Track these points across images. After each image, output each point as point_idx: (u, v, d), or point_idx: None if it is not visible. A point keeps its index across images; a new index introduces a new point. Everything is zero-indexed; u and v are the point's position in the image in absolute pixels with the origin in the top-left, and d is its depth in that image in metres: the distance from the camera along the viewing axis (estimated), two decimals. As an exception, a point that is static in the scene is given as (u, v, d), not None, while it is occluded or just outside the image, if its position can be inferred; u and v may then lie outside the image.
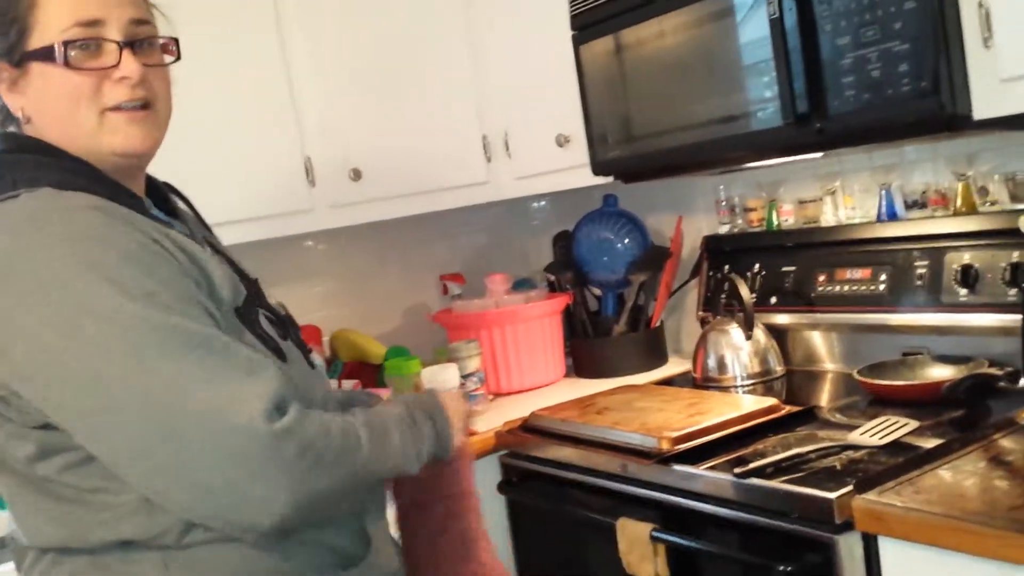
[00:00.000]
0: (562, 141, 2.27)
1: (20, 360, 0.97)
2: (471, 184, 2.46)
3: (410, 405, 1.19)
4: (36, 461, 1.03)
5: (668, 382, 2.30)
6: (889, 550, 1.37)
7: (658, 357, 2.51)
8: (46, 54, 1.06)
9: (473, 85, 2.44)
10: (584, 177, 2.22)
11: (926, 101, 1.53)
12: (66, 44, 1.06)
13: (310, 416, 1.01)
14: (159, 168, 1.22)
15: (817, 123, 1.68)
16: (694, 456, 1.64)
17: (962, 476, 1.41)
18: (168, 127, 1.17)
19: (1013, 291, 1.76)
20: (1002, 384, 1.72)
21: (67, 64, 1.06)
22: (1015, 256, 1.78)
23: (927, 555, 1.31)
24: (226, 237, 1.37)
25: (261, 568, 1.06)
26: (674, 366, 2.46)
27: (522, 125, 2.41)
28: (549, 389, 2.46)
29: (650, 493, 1.67)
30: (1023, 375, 1.59)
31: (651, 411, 1.85)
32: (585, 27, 2.10)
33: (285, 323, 1.19)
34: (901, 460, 1.48)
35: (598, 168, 2.16)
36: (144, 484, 0.99)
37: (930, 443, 1.54)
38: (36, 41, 1.07)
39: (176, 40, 1.16)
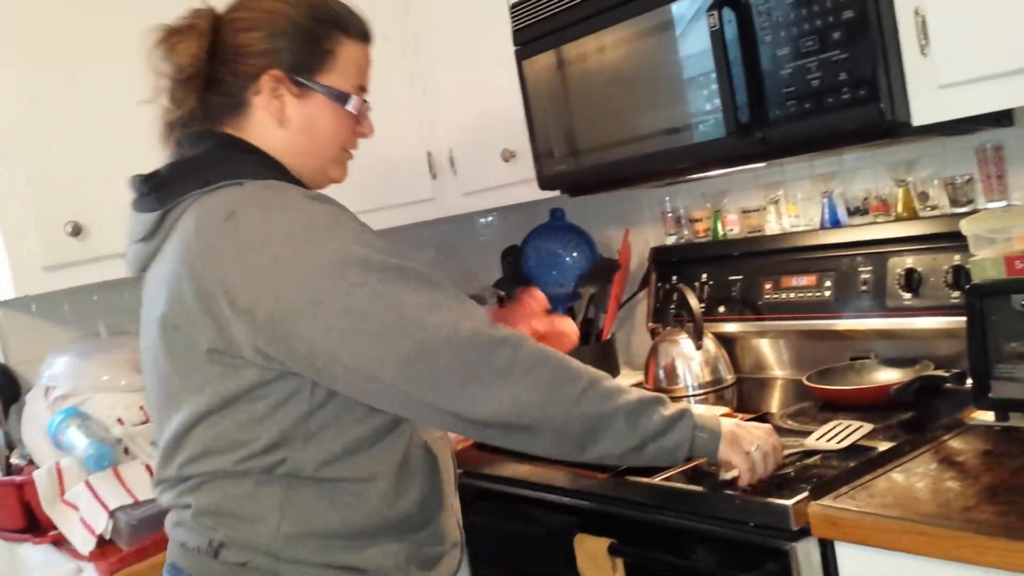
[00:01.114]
0: (507, 156, 2.26)
1: (292, 299, 1.15)
2: (417, 201, 2.44)
3: (687, 409, 1.32)
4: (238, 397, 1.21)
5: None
6: (846, 555, 1.37)
7: (609, 369, 2.49)
8: (339, 96, 1.32)
9: (416, 101, 2.43)
10: (531, 192, 2.22)
11: (865, 109, 1.55)
12: (360, 100, 1.34)
13: (528, 339, 1.20)
14: None
15: (759, 133, 1.69)
16: (649, 468, 1.63)
17: (914, 478, 1.43)
18: None
19: (956, 293, 1.79)
20: (949, 385, 1.75)
21: (353, 114, 1.33)
22: (956, 259, 1.81)
23: (883, 559, 1.32)
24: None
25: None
26: (626, 377, 2.46)
27: (467, 141, 2.40)
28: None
29: (607, 507, 1.66)
30: (968, 376, 1.61)
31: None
32: (527, 42, 2.10)
33: None
34: (854, 465, 1.49)
35: (544, 182, 2.16)
36: (394, 383, 1.16)
37: (881, 446, 1.55)
38: (328, 80, 1.31)
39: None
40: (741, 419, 1.50)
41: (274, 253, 1.16)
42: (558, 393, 1.20)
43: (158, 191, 1.27)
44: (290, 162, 1.31)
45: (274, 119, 1.29)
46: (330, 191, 1.31)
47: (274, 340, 1.17)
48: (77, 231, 1.97)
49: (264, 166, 1.28)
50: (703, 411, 1.36)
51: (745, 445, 1.36)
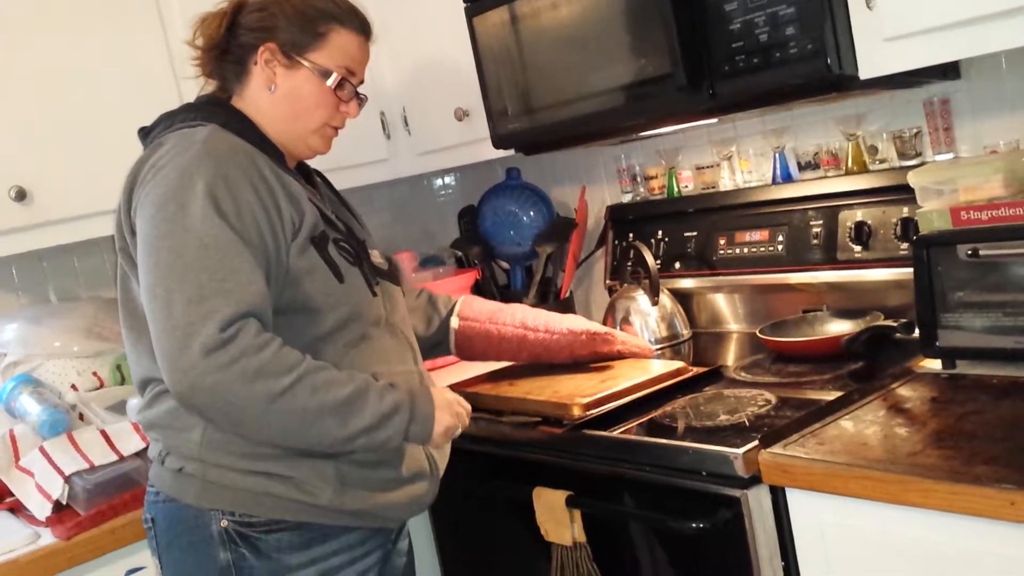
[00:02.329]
0: (461, 115, 2.25)
1: (135, 218, 1.35)
2: (371, 162, 2.42)
3: (398, 382, 1.40)
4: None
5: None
6: (796, 501, 1.41)
7: (567, 327, 2.51)
8: (324, 73, 1.47)
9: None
10: (485, 151, 2.21)
11: (813, 63, 1.56)
12: (342, 77, 1.48)
13: (256, 336, 1.26)
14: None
15: (709, 89, 1.70)
16: (606, 422, 1.66)
17: (863, 425, 1.46)
18: None
19: (905, 245, 1.82)
20: (898, 335, 1.78)
21: (334, 88, 1.48)
22: (905, 211, 1.84)
23: (833, 504, 1.35)
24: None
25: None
26: (583, 334, 2.47)
27: (420, 100, 2.38)
28: (461, 364, 2.44)
29: (564, 460, 1.68)
30: (916, 325, 1.64)
31: (562, 380, 1.85)
32: (478, -1, 2.08)
33: (360, 259, 1.47)
34: (804, 413, 1.52)
35: (498, 141, 2.15)
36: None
37: (831, 396, 1.58)
38: (317, 58, 1.47)
39: (367, 99, 1.58)
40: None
41: (149, 177, 1.34)
42: (254, 388, 1.25)
43: (146, 139, 1.47)
44: (272, 127, 1.47)
45: (264, 86, 1.47)
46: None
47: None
48: (21, 196, 1.93)
49: (221, 114, 1.43)
50: (425, 393, 1.42)
51: (450, 422, 1.45)
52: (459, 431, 1.48)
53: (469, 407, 1.51)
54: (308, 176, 1.59)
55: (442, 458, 1.55)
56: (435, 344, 1.83)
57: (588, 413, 1.67)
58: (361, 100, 1.56)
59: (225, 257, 1.27)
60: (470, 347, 1.85)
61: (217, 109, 1.46)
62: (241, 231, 1.30)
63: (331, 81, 1.47)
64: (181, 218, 1.28)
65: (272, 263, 1.34)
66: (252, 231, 1.31)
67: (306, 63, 1.46)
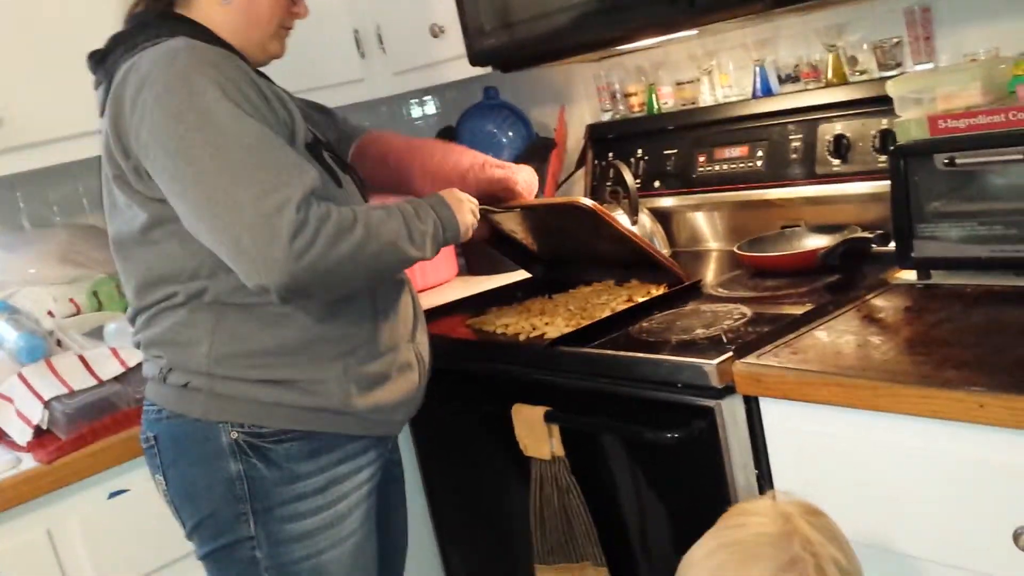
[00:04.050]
0: (436, 32, 2.21)
1: (145, 139, 1.28)
2: (346, 82, 2.37)
3: (411, 202, 1.43)
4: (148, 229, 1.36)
5: (551, 278, 2.30)
6: (770, 410, 1.42)
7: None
8: None
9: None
10: (462, 69, 2.17)
11: (792, -33, 1.52)
12: None
13: (319, 207, 1.26)
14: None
15: (688, -3, 1.66)
16: (583, 338, 1.66)
17: (836, 335, 1.46)
18: None
19: (883, 158, 1.81)
20: (875, 247, 1.78)
21: None
22: (884, 123, 1.82)
23: (806, 411, 1.36)
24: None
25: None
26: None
27: (395, 18, 2.33)
28: (443, 288, 2.45)
29: (541, 376, 1.68)
30: (892, 237, 1.64)
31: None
32: (451, -92, 2.02)
33: (347, 165, 1.51)
34: (779, 325, 1.52)
35: (475, 58, 2.10)
36: (203, 240, 1.30)
37: (807, 309, 1.59)
38: None
39: None
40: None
41: (140, 97, 1.29)
42: (340, 249, 1.28)
43: (101, 65, 1.41)
44: (229, 36, 1.43)
45: None
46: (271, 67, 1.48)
47: (142, 178, 1.32)
48: (-8, 120, 1.89)
49: (186, 29, 1.38)
50: (442, 202, 1.48)
51: (467, 216, 1.51)
52: (476, 220, 1.54)
53: (473, 199, 1.56)
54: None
55: (426, 352, 1.57)
56: None
57: (564, 330, 1.68)
58: None
59: (270, 149, 1.27)
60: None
61: (176, 24, 1.40)
62: (267, 122, 1.30)
63: None
64: (209, 124, 1.26)
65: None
66: (273, 123, 1.32)
67: None
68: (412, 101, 2.96)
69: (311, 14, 1.54)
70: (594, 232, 1.86)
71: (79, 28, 1.94)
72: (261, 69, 1.52)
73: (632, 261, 1.91)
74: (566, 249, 2.05)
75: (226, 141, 1.25)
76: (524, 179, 1.76)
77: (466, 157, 1.72)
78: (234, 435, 1.37)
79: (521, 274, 2.26)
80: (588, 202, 1.77)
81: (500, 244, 2.10)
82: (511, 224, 2.00)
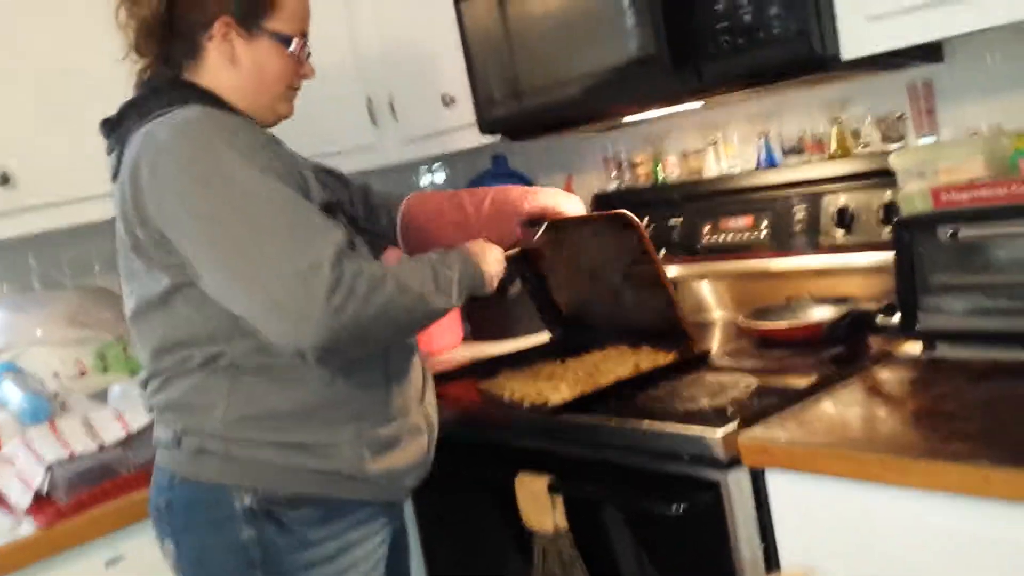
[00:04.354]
0: (448, 101, 2.24)
1: (171, 208, 1.30)
2: (357, 149, 2.41)
3: (436, 252, 1.46)
4: (168, 295, 1.36)
5: (564, 342, 2.30)
6: (776, 482, 1.40)
7: (554, 316, 2.51)
8: (285, 40, 1.45)
9: (353, 46, 2.39)
10: (472, 137, 2.20)
11: (797, 43, 1.56)
12: (301, 44, 1.48)
13: (351, 263, 1.27)
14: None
15: (694, 70, 1.69)
16: (588, 405, 1.65)
17: (842, 407, 1.45)
18: None
19: (887, 230, 1.82)
20: (881, 319, 1.77)
21: (296, 56, 1.47)
22: (888, 195, 1.83)
23: (813, 484, 1.35)
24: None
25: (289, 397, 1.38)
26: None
27: (407, 86, 2.38)
28: (448, 353, 2.44)
29: (545, 446, 1.67)
30: (897, 309, 1.64)
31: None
32: (463, -16, 2.07)
33: (361, 228, 1.54)
34: (785, 397, 1.51)
35: (485, 126, 2.14)
36: (232, 303, 1.30)
37: (811, 379, 1.58)
38: (275, 25, 1.44)
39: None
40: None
41: (161, 165, 1.30)
42: (374, 305, 1.28)
43: (115, 132, 1.43)
44: (239, 100, 1.45)
45: (226, 60, 1.43)
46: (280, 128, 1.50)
47: (162, 245, 1.32)
48: (5, 180, 1.92)
49: (198, 96, 1.40)
50: (466, 254, 1.49)
51: (492, 268, 1.53)
52: (503, 270, 1.56)
53: (498, 248, 1.57)
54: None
55: (434, 415, 1.57)
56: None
57: (568, 397, 1.67)
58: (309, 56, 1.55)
59: (298, 209, 1.29)
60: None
61: (187, 91, 1.42)
62: (291, 184, 1.32)
63: (293, 47, 1.46)
64: (237, 188, 1.27)
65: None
66: (296, 185, 1.34)
67: (266, 33, 1.44)
68: (422, 168, 2.99)
69: (324, 81, 1.57)
70: (626, 265, 1.86)
71: (92, 91, 1.99)
72: (272, 131, 1.55)
73: (651, 320, 1.88)
74: (591, 299, 2.01)
75: (255, 204, 1.27)
76: (572, 203, 1.77)
77: (513, 190, 1.74)
78: (247, 500, 1.37)
79: (529, 340, 2.27)
80: (633, 217, 1.78)
81: (533, 290, 2.10)
82: (549, 258, 1.99)
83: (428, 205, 1.74)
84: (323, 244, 1.26)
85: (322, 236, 1.27)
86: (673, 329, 1.85)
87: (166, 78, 1.45)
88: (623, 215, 1.77)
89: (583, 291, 2.02)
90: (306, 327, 1.23)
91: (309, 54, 1.52)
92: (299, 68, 1.50)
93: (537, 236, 1.72)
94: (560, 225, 1.77)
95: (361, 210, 1.74)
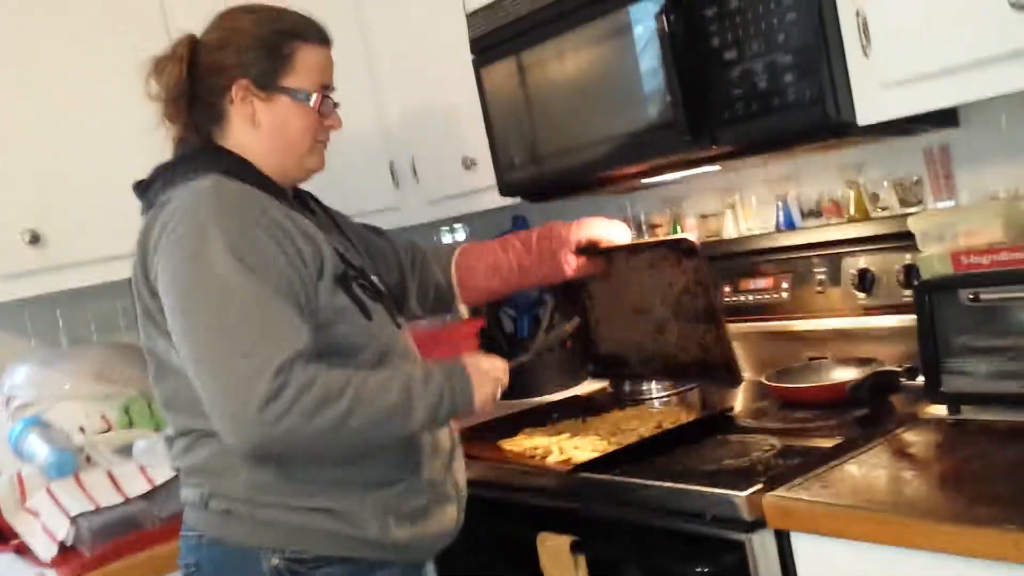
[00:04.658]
0: (468, 164, 2.29)
1: (163, 279, 1.34)
2: (380, 210, 2.45)
3: (425, 367, 1.43)
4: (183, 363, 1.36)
5: (587, 399, 2.31)
6: (801, 545, 1.40)
7: (575, 375, 2.52)
8: (304, 96, 1.46)
9: (376, 110, 2.45)
10: (492, 199, 2.24)
11: (811, 110, 1.58)
12: (321, 97, 1.48)
13: (302, 374, 1.26)
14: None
15: (709, 136, 1.72)
16: (610, 464, 1.65)
17: (867, 469, 1.45)
18: None
19: (908, 292, 1.83)
20: (904, 381, 1.78)
21: (318, 110, 1.47)
22: (907, 258, 1.84)
23: (838, 547, 1.34)
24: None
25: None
26: (592, 383, 2.48)
27: (428, 149, 2.42)
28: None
29: (567, 505, 1.67)
30: (920, 371, 1.65)
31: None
32: (485, 50, 2.13)
33: (380, 294, 1.51)
34: (809, 458, 1.52)
35: (505, 189, 2.18)
36: (192, 379, 1.32)
37: (836, 441, 1.58)
38: (292, 82, 1.46)
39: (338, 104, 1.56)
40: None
41: (162, 238, 1.34)
42: (319, 421, 1.27)
43: (145, 195, 1.46)
44: (267, 160, 1.46)
45: (247, 123, 1.45)
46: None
47: (164, 314, 1.35)
48: (35, 239, 1.97)
49: (220, 163, 1.42)
50: (460, 371, 1.44)
51: (488, 387, 1.48)
52: (499, 393, 1.50)
53: (502, 364, 1.52)
54: (304, 203, 1.60)
55: (463, 482, 1.58)
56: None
57: (590, 455, 1.68)
58: (337, 107, 1.55)
59: (265, 308, 1.29)
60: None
61: (213, 156, 1.44)
62: (269, 280, 1.31)
63: (313, 102, 1.47)
64: (210, 277, 1.29)
65: (303, 305, 1.35)
66: (279, 278, 1.32)
67: (283, 91, 1.45)
68: (443, 228, 3.03)
69: (348, 144, 1.59)
70: (676, 297, 1.83)
71: (121, 153, 2.05)
72: (307, 189, 1.60)
73: (694, 356, 1.84)
74: (632, 335, 1.95)
75: (222, 297, 1.28)
76: (619, 230, 1.85)
77: (557, 224, 1.81)
78: (275, 561, 1.37)
79: (556, 396, 2.28)
80: (694, 241, 1.78)
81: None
82: (592, 291, 2.00)
83: (484, 260, 1.79)
84: (273, 352, 1.25)
85: (275, 343, 1.26)
86: (716, 364, 1.78)
87: (195, 144, 1.48)
88: (684, 240, 1.78)
89: (625, 326, 1.97)
90: (238, 429, 1.26)
91: (337, 104, 1.53)
92: (323, 121, 1.50)
93: (583, 264, 1.76)
94: (611, 254, 1.79)
95: (408, 267, 1.77)
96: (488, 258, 1.79)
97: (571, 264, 1.79)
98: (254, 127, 1.45)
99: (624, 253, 1.85)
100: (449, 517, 1.51)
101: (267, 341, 1.26)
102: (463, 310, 1.84)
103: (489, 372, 1.48)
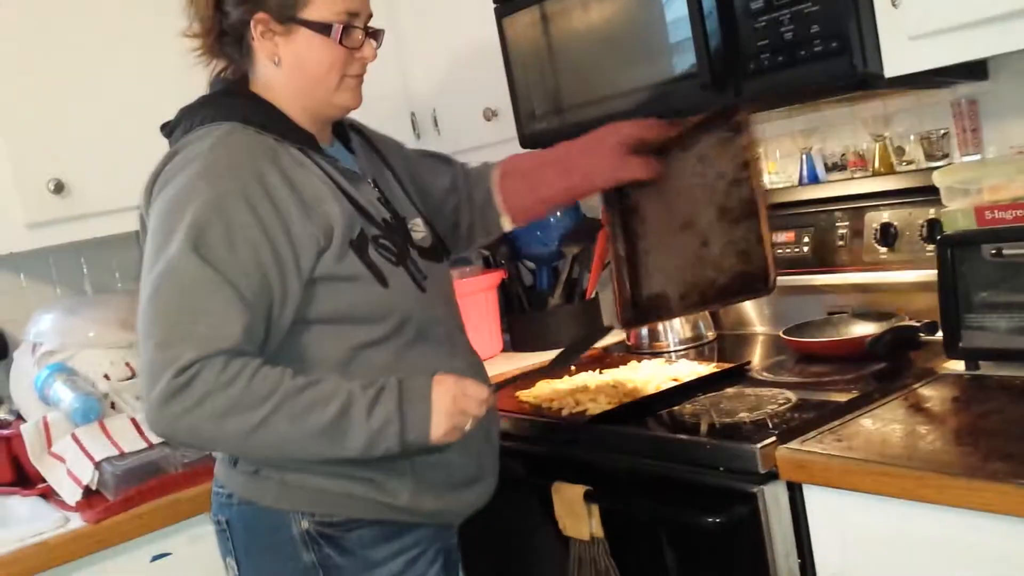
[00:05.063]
0: (489, 115, 2.27)
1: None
2: (400, 161, 2.44)
3: (380, 388, 1.28)
4: None
5: (604, 351, 2.32)
6: (813, 497, 1.40)
7: (594, 327, 2.52)
8: (321, 28, 1.36)
9: (398, 62, 2.43)
10: (513, 150, 2.21)
11: (837, 61, 1.55)
12: (343, 26, 1.36)
13: (222, 372, 1.20)
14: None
15: (735, 87, 1.70)
16: (626, 416, 1.66)
17: (882, 424, 1.45)
18: None
19: (931, 247, 1.81)
20: (923, 336, 1.77)
21: (339, 41, 1.36)
22: (931, 213, 1.82)
23: (849, 500, 1.35)
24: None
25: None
26: (610, 335, 2.48)
27: (450, 101, 2.41)
28: (487, 363, 2.46)
29: (582, 455, 1.68)
30: (940, 327, 1.63)
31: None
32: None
33: (405, 254, 1.41)
34: (824, 412, 1.52)
35: (526, 141, 2.16)
36: None
37: (852, 395, 1.58)
38: (310, 13, 1.35)
39: (383, 32, 1.46)
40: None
41: (157, 198, 1.32)
42: (227, 425, 1.22)
43: (170, 137, 1.42)
44: (293, 101, 1.40)
45: (270, 61, 1.39)
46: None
47: None
48: (60, 188, 1.98)
49: (238, 109, 1.37)
50: (421, 396, 1.29)
51: (453, 420, 1.32)
52: (468, 426, 1.34)
53: (483, 393, 1.35)
54: (345, 138, 1.53)
55: (496, 453, 1.54)
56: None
57: (606, 407, 1.69)
58: (377, 37, 1.44)
59: (198, 298, 1.23)
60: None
61: (236, 101, 1.39)
62: (222, 266, 1.24)
63: (333, 34, 1.36)
64: (164, 252, 1.25)
65: (276, 287, 1.28)
66: (241, 262, 1.25)
67: (302, 24, 1.36)
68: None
69: (368, 97, 1.48)
70: (724, 191, 1.59)
71: (145, 100, 2.05)
72: (356, 122, 1.57)
73: (734, 268, 1.60)
74: (677, 261, 1.70)
75: (165, 275, 1.24)
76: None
77: (604, 129, 1.63)
78: (305, 524, 1.35)
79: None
80: (744, 113, 1.57)
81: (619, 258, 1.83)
82: (646, 207, 1.75)
83: (528, 178, 1.65)
84: (185, 347, 1.20)
85: (193, 339, 1.20)
86: (754, 273, 1.56)
87: (219, 87, 1.45)
88: (735, 109, 1.56)
89: (671, 251, 1.72)
90: (146, 415, 1.24)
91: (372, 32, 1.43)
92: (352, 53, 1.39)
93: (638, 164, 1.58)
94: (664, 153, 1.62)
95: (464, 199, 1.67)
96: (532, 176, 1.64)
97: (630, 162, 1.60)
98: (276, 65, 1.39)
99: (676, 151, 1.64)
100: (483, 492, 1.50)
101: (185, 335, 1.21)
102: (505, 225, 1.68)
103: (459, 404, 1.31)
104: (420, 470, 1.39)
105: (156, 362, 1.21)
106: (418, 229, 1.50)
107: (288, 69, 1.39)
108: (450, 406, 1.30)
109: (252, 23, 1.37)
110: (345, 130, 1.55)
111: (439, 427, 1.29)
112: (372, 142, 1.60)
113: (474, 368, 1.53)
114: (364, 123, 1.67)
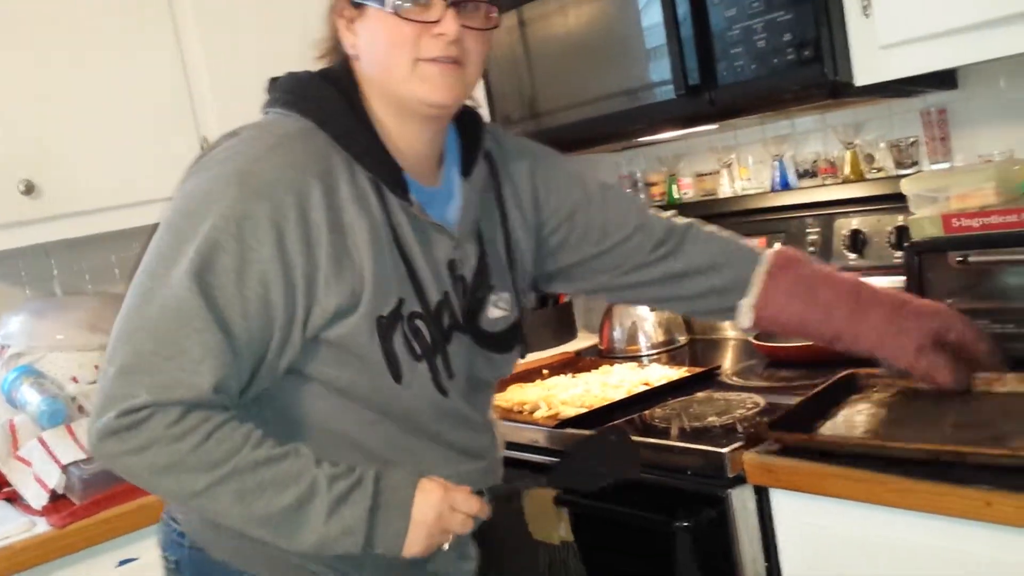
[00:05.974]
0: (465, 119, 2.27)
1: None
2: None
3: (355, 484, 1.09)
4: None
5: (577, 355, 2.32)
6: (780, 501, 1.41)
7: (567, 332, 2.53)
8: (383, 1, 1.12)
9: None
10: (487, 154, 2.23)
11: (809, 69, 1.58)
12: None
13: (171, 426, 1.03)
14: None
15: (708, 94, 1.72)
16: (594, 421, 1.67)
17: (847, 428, 1.46)
18: (474, 88, 1.22)
19: (899, 253, 1.83)
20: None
21: (396, 12, 1.11)
22: (900, 220, 1.84)
23: (815, 504, 1.36)
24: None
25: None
26: (583, 340, 2.49)
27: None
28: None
29: (553, 459, 1.69)
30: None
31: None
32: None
33: (435, 350, 1.16)
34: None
35: (500, 145, 2.17)
36: None
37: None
38: None
39: (497, 7, 1.18)
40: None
41: (194, 170, 1.15)
42: (164, 481, 1.06)
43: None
44: (375, 98, 1.17)
45: (352, 53, 1.19)
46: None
47: None
48: (30, 189, 1.96)
49: (323, 104, 1.16)
50: (400, 505, 1.10)
51: (432, 539, 1.13)
52: (447, 545, 1.15)
53: (473, 507, 1.15)
54: (470, 153, 1.25)
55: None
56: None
57: (578, 411, 1.69)
58: (458, 6, 1.12)
59: (181, 333, 1.04)
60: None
61: (326, 95, 1.17)
62: (220, 303, 1.06)
63: (388, 5, 1.12)
64: (166, 265, 1.07)
65: (278, 334, 1.09)
66: (245, 301, 1.07)
67: (366, 3, 1.14)
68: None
69: None
70: None
71: (116, 103, 2.05)
72: (501, 144, 1.32)
73: None
74: None
75: (156, 289, 1.06)
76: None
77: (924, 304, 1.38)
78: None
79: (547, 353, 2.30)
80: None
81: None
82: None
83: (804, 298, 1.40)
84: (139, 388, 1.03)
85: (152, 381, 1.03)
86: None
87: (329, 70, 1.21)
88: None
89: None
90: (88, 436, 1.08)
91: (455, 1, 1.11)
92: (426, 29, 1.11)
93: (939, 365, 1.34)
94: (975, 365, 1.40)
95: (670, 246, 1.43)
96: (811, 294, 1.41)
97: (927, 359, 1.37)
98: (357, 59, 1.18)
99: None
100: (484, 474, 1.32)
101: (150, 369, 1.03)
102: (745, 323, 1.41)
103: (443, 521, 1.12)
104: (389, 562, 1.16)
105: (110, 391, 1.05)
106: (499, 307, 1.26)
107: (364, 59, 1.17)
108: (432, 523, 1.11)
109: (335, 17, 1.19)
110: (469, 139, 1.27)
111: (414, 545, 1.11)
112: (500, 179, 1.31)
113: (480, 453, 1.32)
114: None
